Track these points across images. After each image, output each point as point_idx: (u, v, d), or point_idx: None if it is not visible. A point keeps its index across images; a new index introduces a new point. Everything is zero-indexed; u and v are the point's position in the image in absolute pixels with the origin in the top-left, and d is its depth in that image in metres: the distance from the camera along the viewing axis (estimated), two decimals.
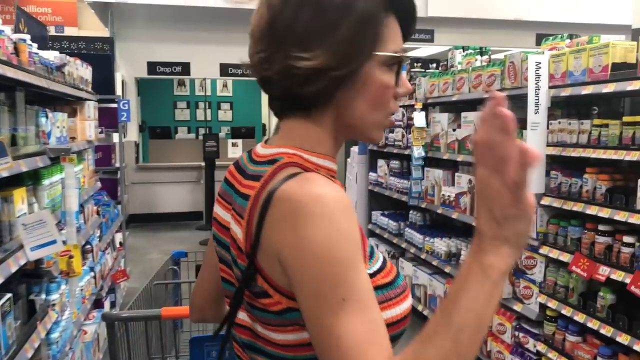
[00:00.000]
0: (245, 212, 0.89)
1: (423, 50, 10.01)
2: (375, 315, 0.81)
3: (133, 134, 9.48)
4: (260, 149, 1.00)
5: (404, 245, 5.49)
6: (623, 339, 2.76)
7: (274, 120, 9.86)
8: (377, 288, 0.90)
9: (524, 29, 9.33)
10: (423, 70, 5.49)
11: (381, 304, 0.88)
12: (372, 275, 0.91)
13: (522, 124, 3.60)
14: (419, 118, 4.98)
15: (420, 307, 5.10)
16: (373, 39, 0.90)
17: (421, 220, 5.41)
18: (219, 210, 1.03)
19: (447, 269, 4.62)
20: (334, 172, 0.99)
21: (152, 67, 9.35)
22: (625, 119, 2.90)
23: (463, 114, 4.45)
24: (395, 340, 0.92)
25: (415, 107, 5.06)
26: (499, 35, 9.32)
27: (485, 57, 4.71)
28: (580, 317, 3.13)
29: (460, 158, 4.42)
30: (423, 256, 5.05)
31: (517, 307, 3.63)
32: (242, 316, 0.95)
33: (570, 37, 3.73)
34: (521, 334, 3.69)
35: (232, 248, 0.93)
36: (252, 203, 0.88)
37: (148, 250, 7.75)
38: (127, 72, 9.21)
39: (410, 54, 9.92)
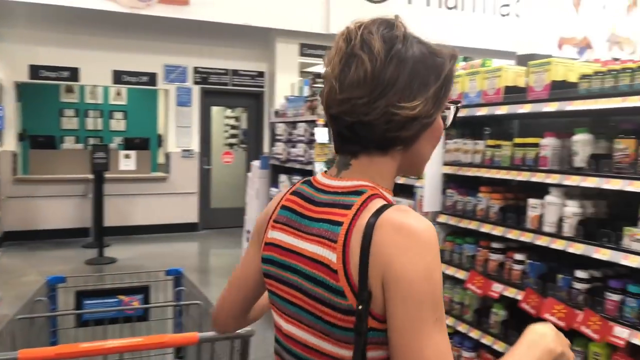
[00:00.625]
0: (339, 237, 1.03)
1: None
2: (447, 335, 0.99)
3: (10, 143, 8.61)
4: (329, 181, 1.15)
5: None
6: None
7: (172, 131, 9.55)
8: None
9: None
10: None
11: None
12: None
13: None
14: (320, 134, 4.94)
15: None
16: (448, 92, 1.11)
17: None
18: (279, 236, 1.15)
19: None
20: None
21: (34, 70, 8.59)
22: (517, 140, 3.02)
23: None
24: None
25: (317, 122, 5.02)
26: None
27: None
28: (475, 334, 3.19)
29: None
30: None
31: None
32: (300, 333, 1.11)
33: (465, 59, 3.87)
34: None
35: (316, 271, 1.05)
36: (346, 228, 1.03)
37: (24, 271, 7.01)
38: (5, 75, 8.38)
39: (313, 69, 9.97)
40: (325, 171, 1.20)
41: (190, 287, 2.71)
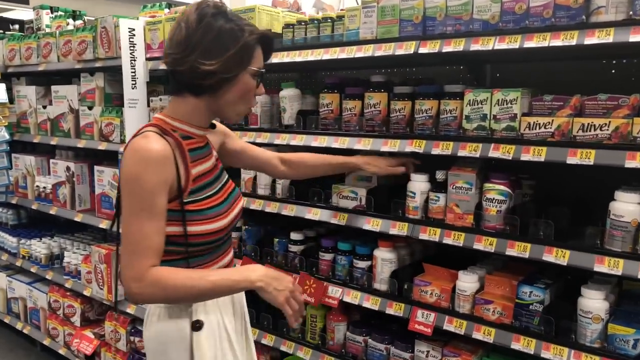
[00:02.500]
0: None
1: (19, 13, 8.38)
2: (157, 226, 1.46)
3: None
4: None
5: None
6: (268, 340, 2.61)
7: None
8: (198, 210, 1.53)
9: (130, 2, 8.80)
10: (2, 32, 4.38)
11: (199, 221, 1.52)
12: (194, 201, 1.52)
13: (120, 100, 3.12)
14: None
15: (19, 325, 4.15)
16: (248, 58, 1.53)
17: (14, 219, 4.39)
18: None
19: (49, 275, 3.83)
20: (193, 134, 1.58)
21: None
22: None
23: (54, 88, 3.66)
24: (206, 245, 1.58)
25: None
26: (106, 7, 8.54)
27: (80, 21, 3.99)
28: None
29: (54, 141, 3.65)
30: (19, 263, 4.10)
31: (131, 309, 3.20)
32: None
33: (169, 6, 3.41)
34: (137, 339, 3.29)
35: None
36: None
37: None
38: None
39: (7, 14, 8.19)
40: None
41: None
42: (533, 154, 1.77)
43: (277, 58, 2.38)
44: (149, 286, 1.42)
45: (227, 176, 1.73)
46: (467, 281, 2.01)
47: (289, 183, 2.49)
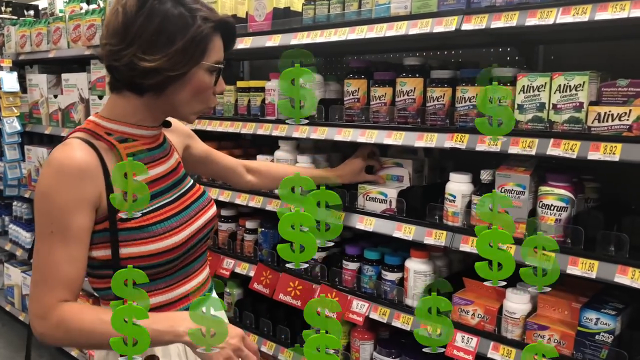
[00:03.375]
0: None
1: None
2: (70, 253, 1.18)
3: None
4: None
5: (8, 247, 4.23)
6: (268, 348, 2.37)
7: None
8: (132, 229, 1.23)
9: None
10: (16, 18, 4.21)
11: (137, 241, 1.23)
12: (134, 217, 1.21)
13: None
14: (8, 80, 3.74)
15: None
16: (201, 52, 1.23)
17: (29, 212, 4.23)
18: None
19: None
20: (136, 136, 1.29)
21: None
22: (240, 84, 2.46)
23: (64, 76, 3.45)
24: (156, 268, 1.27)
25: (2, 65, 3.79)
26: None
27: (94, 5, 3.77)
28: None
29: (65, 133, 3.44)
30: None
31: None
32: None
33: None
34: None
35: None
36: None
37: None
38: None
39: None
40: None
41: None
42: (604, 152, 1.44)
43: (296, 39, 2.08)
44: (54, 327, 1.17)
45: (191, 182, 1.46)
46: (517, 301, 1.69)
47: None
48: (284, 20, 2.17)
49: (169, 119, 1.43)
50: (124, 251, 1.22)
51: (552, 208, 1.59)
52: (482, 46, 2.25)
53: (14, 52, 3.86)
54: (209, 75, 1.27)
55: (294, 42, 2.09)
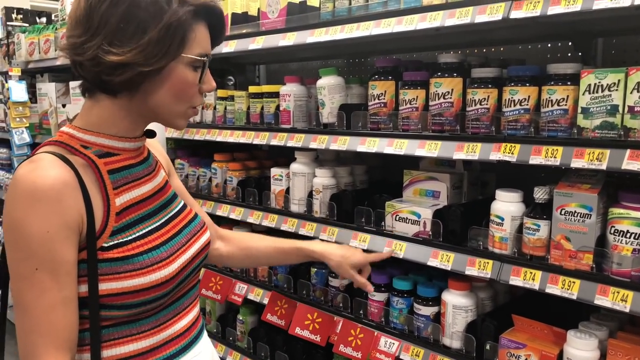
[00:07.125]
0: None
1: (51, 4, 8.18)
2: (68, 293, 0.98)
3: None
4: None
5: None
6: None
7: None
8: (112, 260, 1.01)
9: None
10: (27, 25, 4.06)
11: (120, 274, 1.01)
12: (118, 245, 1.02)
13: None
14: (17, 89, 3.58)
15: None
16: (180, 43, 1.01)
17: None
18: None
19: None
20: (116, 149, 1.09)
21: None
22: (252, 89, 2.22)
23: (71, 84, 3.27)
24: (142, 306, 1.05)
25: (11, 74, 3.63)
26: None
27: None
28: (219, 349, 2.41)
29: None
30: None
31: None
32: None
33: None
34: None
35: None
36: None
37: None
38: None
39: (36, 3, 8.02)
40: None
41: None
42: None
43: (312, 37, 1.82)
44: None
45: (181, 202, 1.22)
46: (582, 348, 1.38)
47: (328, 198, 1.93)
48: (299, 15, 1.91)
49: (157, 130, 1.20)
50: (104, 287, 1.01)
51: (627, 235, 1.28)
52: (527, 41, 1.96)
53: (24, 61, 3.71)
54: (192, 70, 1.06)
55: (310, 40, 1.83)
